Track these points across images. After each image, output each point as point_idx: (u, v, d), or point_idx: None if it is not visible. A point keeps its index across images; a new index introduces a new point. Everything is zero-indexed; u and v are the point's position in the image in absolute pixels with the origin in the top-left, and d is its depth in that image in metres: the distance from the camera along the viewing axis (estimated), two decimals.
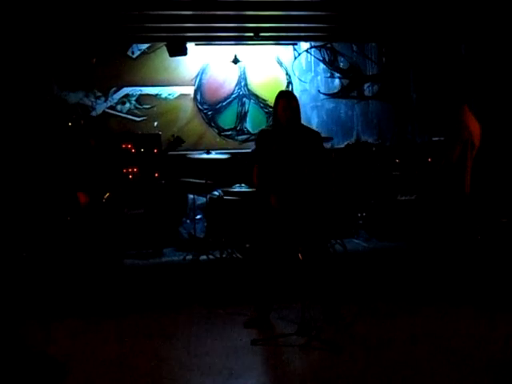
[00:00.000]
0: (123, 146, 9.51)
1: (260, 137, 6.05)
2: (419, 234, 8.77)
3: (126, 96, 10.60)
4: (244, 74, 10.97)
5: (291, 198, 5.59)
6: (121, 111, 10.58)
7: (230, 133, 10.97)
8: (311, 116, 11.16)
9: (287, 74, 11.11)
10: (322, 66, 11.26)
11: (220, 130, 10.94)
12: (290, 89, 10.95)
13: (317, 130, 6.27)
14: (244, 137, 10.94)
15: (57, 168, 8.60)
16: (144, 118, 10.62)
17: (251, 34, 9.60)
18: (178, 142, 9.31)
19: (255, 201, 6.04)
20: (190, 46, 10.34)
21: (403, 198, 9.92)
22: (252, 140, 10.24)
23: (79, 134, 7.66)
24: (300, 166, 5.59)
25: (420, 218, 8.65)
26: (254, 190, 7.37)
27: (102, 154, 6.92)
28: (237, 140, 10.90)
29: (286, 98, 5.83)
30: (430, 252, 7.79)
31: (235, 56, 10.72)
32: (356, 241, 10.04)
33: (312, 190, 5.69)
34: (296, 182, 5.58)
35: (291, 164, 5.66)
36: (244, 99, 10.97)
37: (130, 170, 9.45)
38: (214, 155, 8.86)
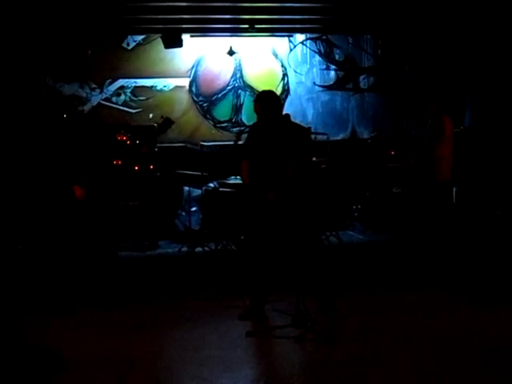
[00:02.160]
0: (118, 137, 9.49)
1: (251, 132, 6.14)
2: (406, 226, 8.86)
3: (122, 88, 10.59)
4: (239, 65, 10.95)
5: (281, 192, 5.62)
6: (116, 103, 10.56)
7: (225, 125, 10.96)
8: (307, 108, 11.16)
9: (283, 65, 11.10)
10: (317, 57, 11.26)
11: (215, 122, 10.93)
12: (286, 81, 10.96)
13: (306, 125, 6.30)
14: (239, 129, 10.93)
15: (52, 160, 8.59)
16: (139, 109, 10.60)
17: (246, 26, 9.59)
18: (167, 123, 9.29)
19: (248, 194, 6.05)
20: (186, 37, 10.33)
21: (398, 190, 9.94)
22: (247, 132, 10.25)
23: (74, 125, 7.64)
24: (282, 163, 5.62)
25: (406, 209, 8.75)
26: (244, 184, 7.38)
27: (97, 146, 6.90)
28: (232, 132, 10.90)
29: (255, 101, 5.91)
30: (419, 244, 7.87)
31: (230, 48, 10.69)
32: (351, 233, 10.06)
33: (297, 184, 5.70)
34: (281, 176, 5.61)
35: (273, 159, 5.70)
36: (239, 91, 10.97)
37: (124, 161, 9.42)
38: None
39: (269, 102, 5.84)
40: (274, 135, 5.76)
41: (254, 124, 6.21)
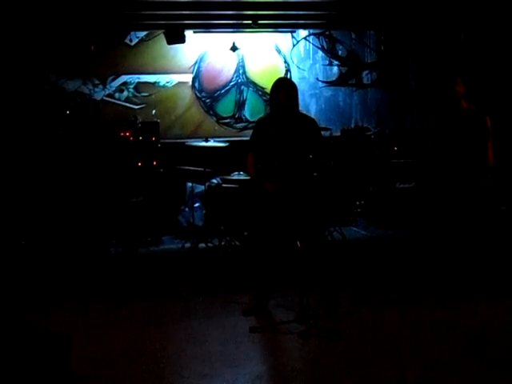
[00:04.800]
0: (121, 134, 9.47)
1: (257, 125, 6.09)
2: (418, 222, 8.79)
3: (124, 84, 10.58)
4: (242, 61, 10.94)
5: (288, 185, 5.60)
6: (119, 99, 10.55)
7: (228, 121, 10.95)
8: (310, 104, 11.14)
9: (285, 61, 11.08)
10: (320, 53, 11.24)
11: (218, 118, 10.92)
12: (289, 76, 10.93)
13: (313, 117, 6.27)
14: (242, 124, 10.92)
15: (57, 157, 8.61)
16: (142, 105, 10.60)
17: (249, 22, 9.58)
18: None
19: (252, 189, 6.03)
20: (188, 33, 10.31)
21: (402, 185, 9.93)
22: (250, 128, 10.23)
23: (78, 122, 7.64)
24: (299, 153, 5.59)
25: (419, 205, 8.66)
26: (250, 177, 7.36)
27: (101, 142, 6.91)
28: (235, 128, 10.89)
29: (287, 87, 5.81)
30: (429, 240, 7.82)
31: (233, 43, 10.68)
32: (355, 229, 10.05)
33: (310, 176, 5.69)
34: (292, 168, 5.58)
35: (289, 150, 5.66)
36: (242, 87, 10.95)
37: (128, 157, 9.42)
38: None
39: (296, 89, 5.83)
40: (284, 126, 5.72)
41: (260, 118, 6.21)
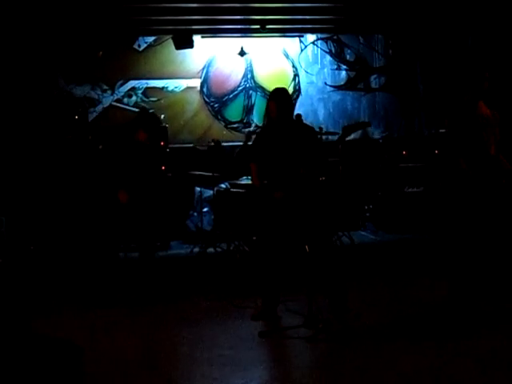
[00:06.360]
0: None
1: (258, 135, 6.14)
2: (428, 226, 8.74)
3: (133, 89, 10.62)
4: (250, 66, 10.96)
5: (292, 192, 5.61)
6: (127, 104, 10.59)
7: (236, 125, 10.97)
8: (318, 108, 11.16)
9: (294, 66, 11.10)
10: (328, 58, 11.25)
11: (227, 123, 10.94)
12: (297, 81, 10.96)
13: (318, 126, 6.28)
14: (250, 129, 10.93)
15: (66, 163, 8.63)
16: (150, 110, 10.61)
17: (257, 27, 9.60)
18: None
19: (260, 196, 6.04)
20: (197, 38, 10.35)
21: (410, 189, 9.91)
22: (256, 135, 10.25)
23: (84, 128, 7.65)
24: (294, 162, 5.61)
25: (430, 210, 8.60)
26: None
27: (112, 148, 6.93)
28: (243, 133, 10.90)
29: (276, 98, 5.83)
30: (437, 244, 7.79)
31: (241, 48, 10.70)
32: (363, 233, 10.04)
33: (309, 183, 5.70)
34: (293, 177, 5.60)
35: (286, 159, 5.68)
36: (250, 92, 10.98)
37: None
38: None
39: (284, 99, 5.83)
40: (283, 135, 5.74)
41: (261, 126, 6.22)
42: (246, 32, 10.39)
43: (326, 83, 11.25)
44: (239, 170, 8.36)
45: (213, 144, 8.76)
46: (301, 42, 11.12)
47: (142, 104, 10.60)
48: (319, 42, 11.20)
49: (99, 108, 10.51)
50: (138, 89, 10.63)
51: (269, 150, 5.80)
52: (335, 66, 11.29)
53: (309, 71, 11.17)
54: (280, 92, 5.95)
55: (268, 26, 9.61)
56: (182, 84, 10.76)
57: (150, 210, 6.75)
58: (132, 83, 10.62)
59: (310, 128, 6.05)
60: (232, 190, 8.22)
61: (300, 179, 5.58)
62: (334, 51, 11.26)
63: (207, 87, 10.87)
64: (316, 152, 5.80)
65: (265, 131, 6.00)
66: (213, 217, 9.14)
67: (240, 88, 10.97)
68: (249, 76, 10.98)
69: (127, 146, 6.76)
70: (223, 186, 8.92)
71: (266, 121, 5.97)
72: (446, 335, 5.26)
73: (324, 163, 6.14)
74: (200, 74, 10.82)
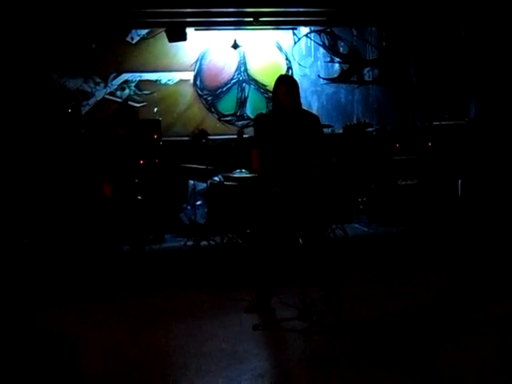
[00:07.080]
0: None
1: (258, 121, 6.04)
2: (421, 219, 8.77)
3: (126, 82, 10.59)
4: (244, 59, 10.94)
5: (291, 182, 5.57)
6: (120, 97, 10.56)
7: (230, 118, 10.96)
8: (311, 101, 11.15)
9: (287, 58, 11.08)
10: (321, 50, 11.24)
11: (220, 116, 10.93)
12: (290, 74, 10.93)
13: (316, 114, 6.24)
14: (244, 122, 10.92)
15: (60, 156, 8.60)
16: (144, 103, 10.60)
17: (251, 19, 9.57)
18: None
19: (256, 186, 5.99)
20: (190, 31, 10.32)
21: (404, 182, 9.92)
22: (253, 122, 10.23)
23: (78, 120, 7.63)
24: (300, 149, 5.57)
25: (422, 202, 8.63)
26: (254, 174, 7.33)
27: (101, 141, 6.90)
28: (237, 125, 10.89)
29: (287, 83, 5.77)
30: (430, 236, 7.82)
31: (235, 41, 10.68)
32: (357, 226, 10.05)
33: (311, 173, 5.68)
34: (296, 166, 5.57)
35: (291, 147, 5.63)
36: (244, 84, 10.96)
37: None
38: None
39: (298, 86, 5.80)
40: (287, 122, 5.68)
41: (259, 114, 6.16)
42: (239, 25, 10.36)
43: (319, 76, 11.24)
44: (233, 162, 8.37)
45: (197, 132, 8.75)
46: (294, 34, 11.10)
47: (135, 97, 10.57)
48: (312, 34, 11.18)
49: (92, 101, 10.48)
50: (131, 82, 10.60)
51: (276, 137, 5.71)
52: (328, 59, 11.28)
53: (302, 64, 11.16)
54: (292, 78, 5.93)
55: (261, 19, 9.58)
56: (176, 77, 10.74)
57: (135, 203, 6.76)
58: (125, 76, 10.59)
59: (315, 117, 6.01)
60: (225, 183, 8.22)
61: (305, 171, 5.53)
62: (327, 44, 11.25)
63: (200, 80, 10.85)
64: (322, 141, 5.79)
65: (269, 117, 5.91)
66: (206, 210, 9.14)
67: (233, 81, 10.95)
68: (242, 69, 10.96)
69: (107, 139, 6.76)
70: (217, 178, 8.92)
71: (272, 107, 5.89)
72: (440, 328, 5.28)
73: (327, 151, 6.09)
74: (193, 67, 10.80)
